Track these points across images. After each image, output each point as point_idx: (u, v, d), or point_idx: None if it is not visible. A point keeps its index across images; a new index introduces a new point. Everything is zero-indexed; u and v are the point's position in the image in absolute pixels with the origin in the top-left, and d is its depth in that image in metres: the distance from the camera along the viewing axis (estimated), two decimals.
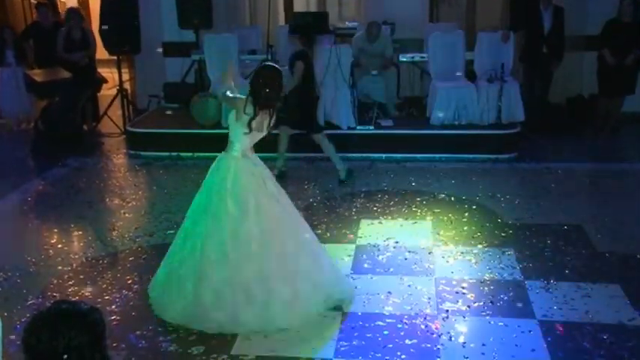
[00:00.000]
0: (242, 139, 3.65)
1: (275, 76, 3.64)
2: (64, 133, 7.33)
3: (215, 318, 3.51)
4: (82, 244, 4.88)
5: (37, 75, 7.56)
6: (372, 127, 6.89)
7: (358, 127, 6.88)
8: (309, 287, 3.66)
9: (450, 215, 5.18)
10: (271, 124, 3.68)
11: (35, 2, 9.45)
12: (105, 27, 7.60)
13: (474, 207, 5.36)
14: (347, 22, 8.71)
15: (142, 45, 8.00)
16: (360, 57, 7.33)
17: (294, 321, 3.56)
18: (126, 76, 9.01)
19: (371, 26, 7.40)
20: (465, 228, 4.94)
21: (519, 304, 3.79)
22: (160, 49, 8.49)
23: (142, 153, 7.07)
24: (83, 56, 7.78)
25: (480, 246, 4.61)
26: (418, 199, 5.56)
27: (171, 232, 4.71)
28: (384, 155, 6.76)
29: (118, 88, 8.05)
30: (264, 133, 3.69)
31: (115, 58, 7.99)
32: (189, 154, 6.90)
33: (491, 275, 4.17)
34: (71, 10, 8.12)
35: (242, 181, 3.61)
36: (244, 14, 9.23)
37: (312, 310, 3.66)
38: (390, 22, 8.20)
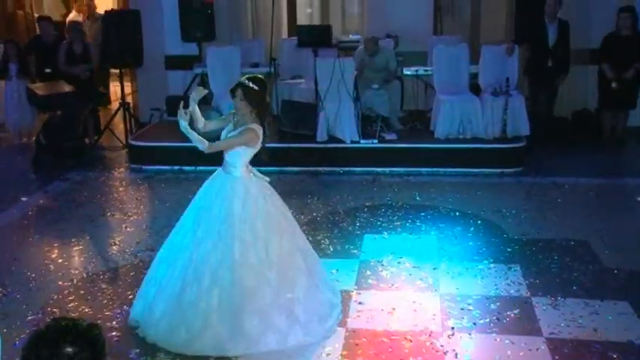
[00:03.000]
0: (244, 159, 3.65)
1: (265, 84, 3.67)
2: (66, 146, 7.35)
3: (232, 347, 3.41)
4: (82, 259, 4.87)
5: (39, 88, 7.59)
6: (375, 141, 6.89)
7: (362, 141, 6.89)
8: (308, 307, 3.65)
9: (454, 230, 5.16)
10: (266, 135, 3.68)
11: (37, 16, 9.52)
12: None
13: (479, 222, 5.34)
14: (350, 35, 8.76)
15: (145, 58, 8.04)
16: (362, 70, 7.35)
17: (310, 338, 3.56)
18: (128, 90, 9.07)
19: (367, 42, 7.45)
20: (470, 243, 4.91)
21: (526, 322, 3.76)
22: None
23: (144, 167, 7.08)
24: (84, 70, 7.82)
25: (485, 261, 4.58)
26: (422, 213, 5.55)
27: None
28: (387, 169, 6.76)
29: (120, 101, 8.08)
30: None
31: (117, 71, 8.04)
32: (192, 167, 6.90)
33: (498, 291, 4.14)
34: (72, 24, 8.18)
35: (262, 203, 3.59)
36: (247, 27, 9.29)
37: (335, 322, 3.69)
38: (393, 35, 8.24)
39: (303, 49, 7.73)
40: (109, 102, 8.71)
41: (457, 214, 5.54)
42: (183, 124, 3.55)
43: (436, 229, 5.19)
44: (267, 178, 3.78)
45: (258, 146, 3.64)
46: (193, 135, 3.56)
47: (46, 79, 7.86)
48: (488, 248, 4.81)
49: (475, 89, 7.31)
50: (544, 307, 3.91)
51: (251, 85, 3.58)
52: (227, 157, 3.66)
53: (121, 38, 7.68)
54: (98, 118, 8.34)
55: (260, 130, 3.61)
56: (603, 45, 7.19)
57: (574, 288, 4.16)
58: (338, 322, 3.75)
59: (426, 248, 4.85)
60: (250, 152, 3.64)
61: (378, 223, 5.37)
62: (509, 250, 4.78)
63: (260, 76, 3.71)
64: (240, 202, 3.57)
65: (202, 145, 3.55)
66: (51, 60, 7.82)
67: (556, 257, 4.62)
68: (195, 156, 6.87)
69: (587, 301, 3.97)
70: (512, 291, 4.15)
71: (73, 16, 9.93)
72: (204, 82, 7.98)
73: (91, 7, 9.73)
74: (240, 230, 3.52)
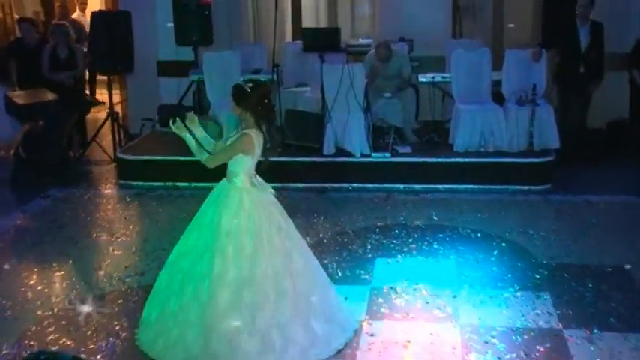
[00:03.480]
0: (248, 168, 3.69)
1: (266, 86, 3.74)
2: (48, 160, 7.37)
3: None
4: (64, 285, 4.85)
5: (19, 97, 7.61)
6: (388, 155, 6.88)
7: (373, 155, 6.88)
8: (323, 326, 3.71)
9: (476, 253, 5.13)
10: (267, 143, 3.70)
11: (18, 18, 9.61)
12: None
13: (504, 244, 5.31)
14: (360, 39, 8.77)
15: (135, 63, 8.08)
16: (373, 77, 7.37)
17: None
18: (117, 98, 9.10)
19: (379, 46, 7.47)
20: (494, 268, 4.88)
21: (557, 357, 3.71)
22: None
23: (134, 183, 7.09)
24: (69, 76, 7.86)
25: (511, 289, 4.55)
26: (440, 235, 5.52)
27: None
28: (401, 186, 6.75)
29: (108, 111, 8.11)
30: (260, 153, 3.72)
31: (106, 78, 8.09)
32: (187, 184, 6.90)
33: (525, 323, 4.10)
34: (57, 26, 8.21)
35: (255, 217, 3.63)
36: (247, 30, 9.33)
37: (330, 351, 3.68)
38: (407, 39, 8.25)
39: (308, 54, 7.76)
40: (93, 104, 8.65)
41: (479, 235, 5.51)
42: (185, 135, 3.68)
43: (455, 253, 5.16)
44: (273, 191, 3.80)
45: (258, 153, 3.66)
46: (195, 145, 3.69)
47: (26, 87, 7.90)
48: (513, 274, 4.77)
49: (498, 98, 7.29)
50: (578, 341, 3.86)
51: (242, 85, 3.64)
52: (229, 164, 3.73)
53: (110, 42, 7.73)
54: (84, 129, 8.37)
55: (257, 136, 3.63)
56: (634, 49, 7.16)
57: (611, 320, 4.11)
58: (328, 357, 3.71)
59: (444, 273, 4.82)
60: (249, 160, 3.68)
61: (391, 245, 5.34)
62: (537, 276, 4.74)
63: (260, 79, 3.77)
64: (231, 214, 3.64)
65: (203, 156, 3.67)
66: (34, 65, 7.87)
67: (590, 285, 4.58)
68: (190, 171, 7.02)
69: (627, 335, 3.91)
70: (541, 322, 4.10)
71: (76, 15, 10.00)
72: (200, 90, 8.03)
73: (65, 9, 9.79)
74: (223, 243, 3.60)
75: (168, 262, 3.90)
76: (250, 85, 3.70)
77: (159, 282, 3.91)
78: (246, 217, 3.64)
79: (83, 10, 10.08)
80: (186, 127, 3.68)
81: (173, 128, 3.68)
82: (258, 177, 3.81)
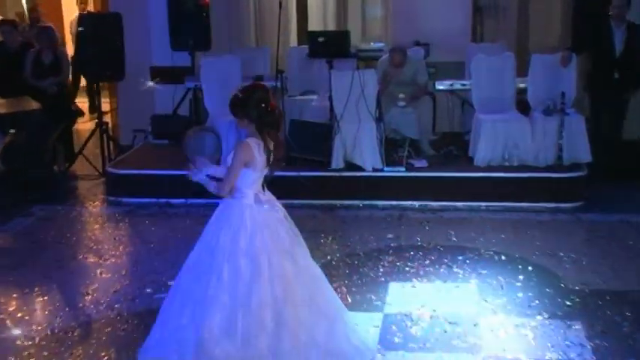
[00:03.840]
0: (252, 181, 3.69)
1: (263, 89, 3.71)
2: (30, 175, 7.39)
3: None
4: (47, 312, 4.84)
5: (0, 105, 7.68)
6: (402, 169, 6.88)
7: (386, 169, 6.89)
8: None
9: (499, 278, 5.10)
10: (273, 155, 3.70)
11: None
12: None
13: (530, 268, 5.28)
14: (372, 43, 8.82)
15: (127, 70, 8.13)
16: (386, 84, 7.39)
17: None
18: (106, 107, 9.14)
19: (393, 53, 7.49)
20: (520, 294, 4.85)
21: None
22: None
23: (125, 199, 7.11)
24: (53, 83, 7.89)
25: (538, 317, 4.51)
26: (460, 257, 5.51)
27: (159, 295, 4.68)
28: (417, 203, 6.74)
29: (96, 121, 8.15)
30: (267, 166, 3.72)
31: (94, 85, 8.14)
32: (182, 200, 6.91)
33: (554, 355, 4.06)
34: (42, 29, 8.28)
35: (257, 238, 3.62)
36: (249, 33, 9.40)
37: None
38: (423, 43, 8.29)
39: (315, 59, 7.80)
40: (79, 113, 8.67)
41: (502, 258, 5.49)
42: (200, 177, 3.76)
43: (477, 276, 5.13)
44: (283, 209, 3.80)
45: (261, 164, 3.65)
46: (209, 183, 3.75)
47: (7, 94, 7.95)
48: (541, 300, 4.74)
49: (523, 107, 7.29)
50: None
51: (235, 94, 3.67)
52: (235, 183, 3.74)
53: (99, 46, 7.78)
54: (70, 141, 8.40)
55: (257, 144, 3.61)
56: None
57: None
58: None
59: (464, 299, 4.79)
60: (252, 173, 3.67)
61: (406, 268, 5.33)
62: (568, 303, 4.71)
63: (255, 83, 3.78)
64: (230, 233, 3.64)
65: (212, 186, 3.72)
66: (15, 71, 7.91)
67: (628, 313, 4.53)
68: (185, 187, 7.00)
69: None
70: (572, 354, 4.06)
71: (75, 18, 10.10)
72: (197, 98, 8.06)
73: (36, 13, 9.86)
74: (220, 265, 3.61)
75: (175, 282, 3.94)
76: (243, 90, 3.70)
77: (165, 303, 3.92)
78: (247, 237, 3.64)
79: (83, 10, 10.18)
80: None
81: (191, 177, 3.76)
82: (266, 191, 3.80)
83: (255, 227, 3.67)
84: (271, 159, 3.70)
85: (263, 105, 3.64)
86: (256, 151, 3.63)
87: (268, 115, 3.66)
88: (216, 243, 3.66)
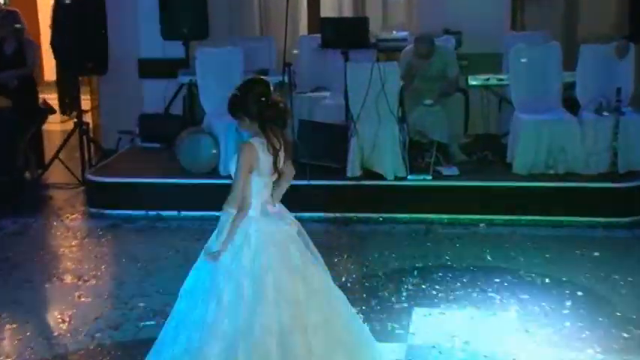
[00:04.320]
0: (258, 189, 3.68)
1: (263, 83, 3.70)
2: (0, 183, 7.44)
3: None
4: (16, 342, 4.83)
5: None
6: (429, 177, 6.87)
7: (410, 177, 6.89)
8: None
9: (543, 304, 5.08)
10: (282, 157, 3.69)
11: None
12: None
13: (580, 293, 5.25)
14: (394, 32, 8.81)
15: (110, 62, 8.16)
16: (411, 79, 7.39)
17: None
18: (87, 105, 9.17)
19: (419, 42, 7.48)
20: (567, 324, 4.82)
21: None
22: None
23: (108, 211, 7.14)
24: (13, 76, 7.82)
25: (590, 351, 4.48)
26: (496, 279, 5.49)
27: (148, 323, 4.69)
28: (445, 216, 6.75)
29: (75, 121, 8.18)
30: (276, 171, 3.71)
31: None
32: (174, 212, 6.94)
33: None
34: (6, 14, 8.26)
35: (262, 257, 3.61)
36: (252, 21, 9.42)
37: None
38: (454, 31, 8.27)
39: (329, 50, 7.80)
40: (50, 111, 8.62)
41: (546, 281, 5.46)
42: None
43: (516, 303, 5.11)
44: (297, 223, 3.79)
45: (266, 166, 3.64)
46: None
47: None
48: (593, 332, 4.70)
49: (571, 105, 7.27)
50: None
51: (234, 92, 3.67)
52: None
53: (79, 35, 7.80)
54: (40, 144, 8.38)
55: (261, 143, 3.60)
56: None
57: None
58: None
59: (501, 330, 4.77)
60: (258, 178, 3.66)
61: (433, 292, 5.32)
62: (624, 335, 4.66)
63: (254, 77, 3.77)
64: (232, 250, 3.63)
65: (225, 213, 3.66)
66: None
67: None
68: (178, 197, 7.05)
69: None
70: None
71: None
72: (192, 95, 8.08)
73: None
74: (221, 287, 3.60)
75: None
76: (240, 86, 3.70)
77: (162, 331, 3.93)
78: (251, 255, 3.62)
79: None
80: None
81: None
82: (276, 202, 3.79)
83: (260, 243, 3.65)
84: (280, 162, 3.69)
85: (263, 99, 3.64)
86: (260, 151, 3.62)
87: (269, 110, 3.65)
88: (218, 263, 3.66)
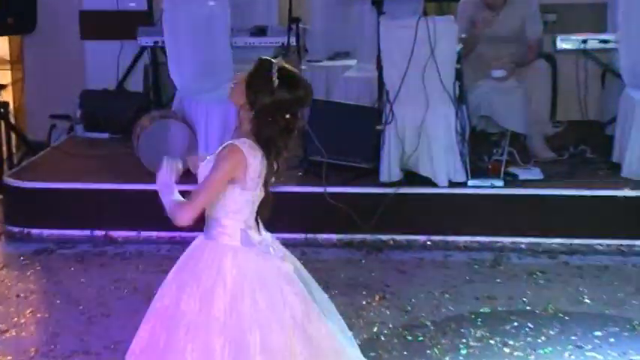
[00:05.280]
0: (239, 209, 3.69)
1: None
2: None
3: None
4: None
5: None
6: (499, 183, 6.88)
7: (471, 183, 6.91)
8: None
9: None
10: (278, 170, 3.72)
11: None
12: None
13: None
14: None
15: (40, 16, 8.19)
16: (473, 41, 7.41)
17: None
18: (6, 78, 9.20)
19: None
20: None
21: None
22: None
23: (35, 231, 7.17)
24: None
25: None
26: (598, 332, 5.48)
27: None
28: (523, 239, 6.78)
29: None
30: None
31: None
32: (131, 232, 6.98)
33: None
34: None
35: (243, 304, 3.61)
36: None
37: None
38: None
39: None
40: None
41: None
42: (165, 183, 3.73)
43: None
44: (292, 257, 3.82)
45: (254, 182, 3.65)
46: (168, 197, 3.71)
47: None
48: None
49: None
50: None
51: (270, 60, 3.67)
52: (210, 210, 3.73)
53: None
54: None
55: (253, 151, 3.61)
56: None
57: None
58: None
59: None
60: (240, 195, 3.66)
61: (505, 349, 5.33)
62: None
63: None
64: (199, 293, 3.62)
65: (169, 204, 3.67)
66: None
67: None
68: (137, 211, 7.01)
69: None
70: None
71: None
72: (157, 63, 8.11)
73: None
74: (180, 346, 3.61)
75: None
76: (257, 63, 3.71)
77: None
78: (226, 300, 3.62)
79: None
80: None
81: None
82: (262, 229, 3.80)
83: (241, 285, 3.66)
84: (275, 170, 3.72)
85: (278, 92, 3.64)
86: (251, 158, 3.62)
87: (273, 103, 3.66)
88: (175, 309, 3.68)
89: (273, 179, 3.71)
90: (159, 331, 3.70)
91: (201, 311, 3.62)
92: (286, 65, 3.67)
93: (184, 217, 3.59)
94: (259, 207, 3.74)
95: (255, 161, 3.63)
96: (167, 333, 3.65)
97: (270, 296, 3.67)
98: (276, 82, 3.59)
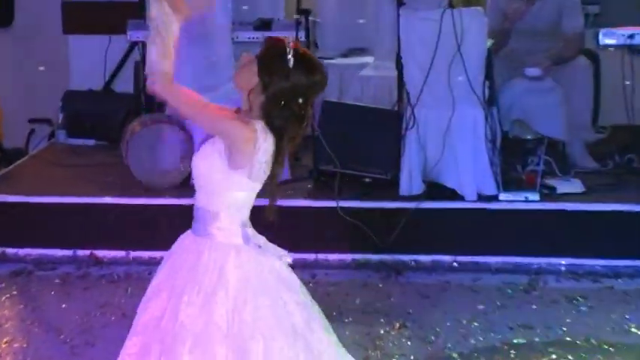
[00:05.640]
0: (241, 203, 3.76)
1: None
2: None
3: None
4: None
5: None
6: (534, 196, 6.92)
7: (503, 197, 6.94)
8: None
9: None
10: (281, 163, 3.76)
11: None
12: None
13: None
14: None
15: (18, 9, 8.24)
16: (505, 35, 7.45)
17: None
18: None
19: None
20: None
21: None
22: None
23: (10, 250, 7.22)
24: None
25: None
26: None
27: None
28: (563, 260, 6.80)
29: None
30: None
31: None
32: (120, 252, 7.03)
33: None
34: None
35: (246, 309, 3.65)
36: None
37: None
38: None
39: None
40: None
41: None
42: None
43: None
44: (288, 256, 3.85)
45: (262, 171, 3.69)
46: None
47: None
48: None
49: None
50: None
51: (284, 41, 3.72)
52: (201, 198, 3.79)
53: None
54: None
55: (264, 134, 3.66)
56: None
57: None
58: None
59: None
60: (252, 187, 3.70)
61: None
62: None
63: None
64: (200, 298, 3.64)
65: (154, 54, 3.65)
66: None
67: None
68: (126, 228, 7.05)
69: None
70: None
71: None
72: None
73: None
74: (176, 356, 3.63)
75: None
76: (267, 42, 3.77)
77: None
78: (229, 305, 3.66)
79: None
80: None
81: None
82: (261, 239, 3.83)
83: (244, 289, 3.69)
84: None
85: (295, 79, 3.69)
86: (262, 140, 3.66)
87: (286, 93, 3.71)
88: (172, 321, 3.70)
89: (279, 172, 3.77)
90: (152, 346, 3.73)
91: (201, 318, 3.67)
92: (300, 46, 3.71)
93: (158, 84, 3.60)
94: (266, 207, 3.77)
95: (265, 144, 3.66)
96: (160, 342, 3.70)
97: (272, 303, 3.71)
98: (292, 63, 3.66)
